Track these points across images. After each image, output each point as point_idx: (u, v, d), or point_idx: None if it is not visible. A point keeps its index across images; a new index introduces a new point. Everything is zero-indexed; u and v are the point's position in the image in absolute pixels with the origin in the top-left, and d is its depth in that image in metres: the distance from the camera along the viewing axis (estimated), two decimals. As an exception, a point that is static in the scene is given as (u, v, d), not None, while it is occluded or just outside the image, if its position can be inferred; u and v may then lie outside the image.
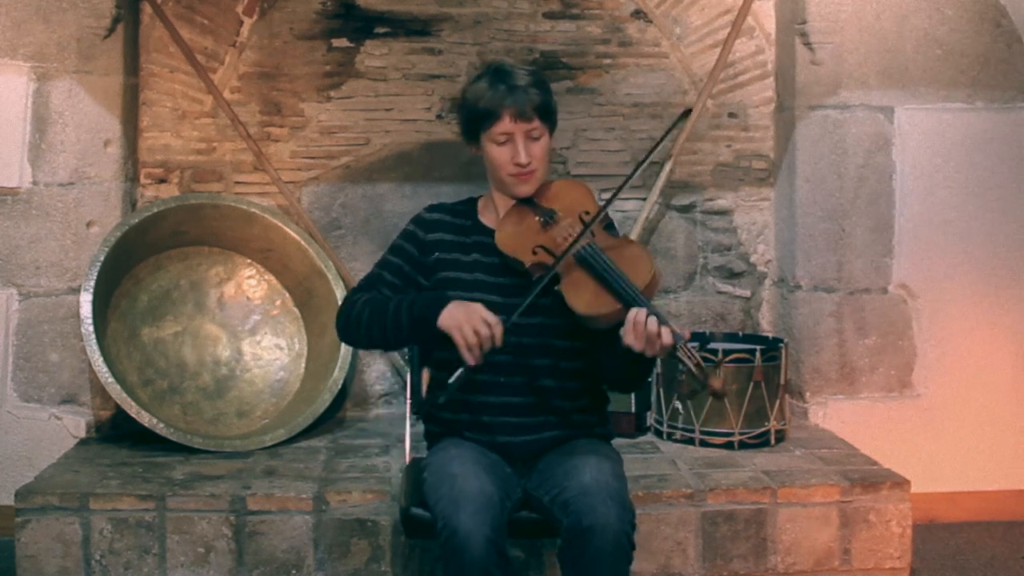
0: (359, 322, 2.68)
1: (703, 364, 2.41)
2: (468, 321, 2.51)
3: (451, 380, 2.53)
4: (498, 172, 2.70)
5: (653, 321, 2.42)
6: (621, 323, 2.47)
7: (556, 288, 2.59)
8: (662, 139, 2.85)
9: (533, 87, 2.66)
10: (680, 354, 2.43)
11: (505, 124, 2.64)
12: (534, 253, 2.65)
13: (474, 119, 2.68)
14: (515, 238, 2.68)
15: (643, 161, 2.79)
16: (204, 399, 3.84)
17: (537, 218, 2.70)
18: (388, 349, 3.79)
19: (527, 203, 2.72)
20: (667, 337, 2.41)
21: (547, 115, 2.68)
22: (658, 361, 3.71)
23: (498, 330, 2.51)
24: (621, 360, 2.52)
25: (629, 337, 2.45)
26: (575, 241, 2.60)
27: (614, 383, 2.75)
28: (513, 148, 2.66)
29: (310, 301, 3.95)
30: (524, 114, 2.64)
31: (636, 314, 2.45)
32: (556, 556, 2.52)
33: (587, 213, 2.70)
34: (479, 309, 2.53)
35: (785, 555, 3.26)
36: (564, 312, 2.59)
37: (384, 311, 2.65)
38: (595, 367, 2.68)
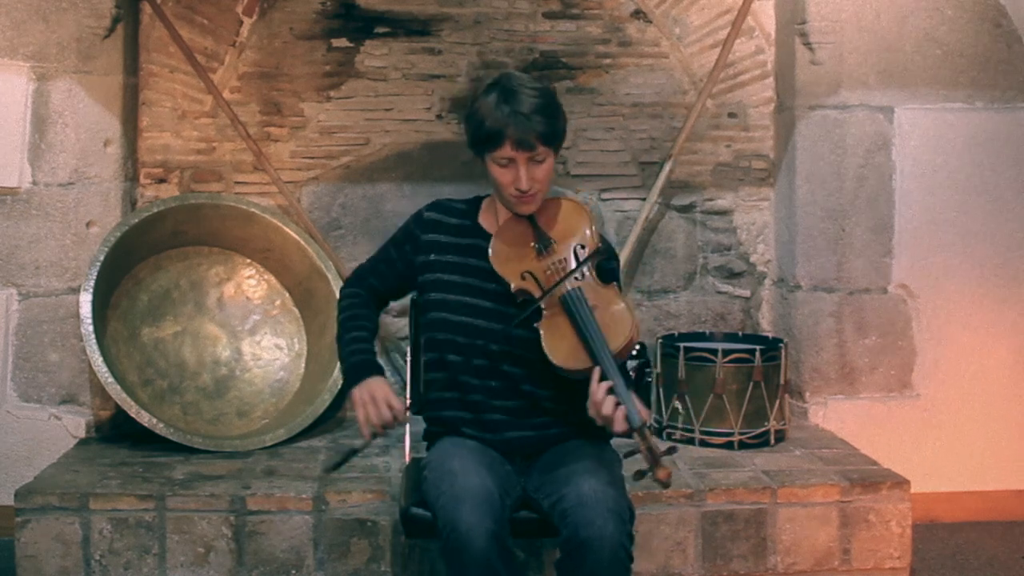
0: (336, 325, 2.86)
1: (656, 450, 2.35)
2: (372, 402, 2.62)
3: (353, 450, 2.68)
4: (500, 190, 2.68)
5: (610, 403, 2.39)
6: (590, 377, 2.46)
7: (535, 325, 2.58)
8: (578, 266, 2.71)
9: (538, 113, 2.58)
10: (635, 437, 2.38)
11: (507, 151, 2.60)
12: (522, 278, 2.64)
13: (478, 139, 2.64)
14: (507, 258, 2.68)
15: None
16: (204, 399, 3.84)
17: (532, 243, 2.69)
18: None
19: (527, 218, 2.72)
20: (620, 425, 2.38)
21: (552, 140, 2.63)
22: (658, 362, 3.72)
23: (400, 415, 2.61)
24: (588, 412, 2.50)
25: (592, 409, 2.44)
26: (560, 281, 2.59)
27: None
28: (515, 172, 2.62)
29: (310, 301, 3.94)
30: (526, 143, 2.58)
31: (597, 390, 2.42)
32: (554, 568, 2.51)
33: (583, 247, 2.68)
34: (386, 393, 2.63)
35: (785, 555, 3.26)
36: None
37: (341, 336, 2.81)
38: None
